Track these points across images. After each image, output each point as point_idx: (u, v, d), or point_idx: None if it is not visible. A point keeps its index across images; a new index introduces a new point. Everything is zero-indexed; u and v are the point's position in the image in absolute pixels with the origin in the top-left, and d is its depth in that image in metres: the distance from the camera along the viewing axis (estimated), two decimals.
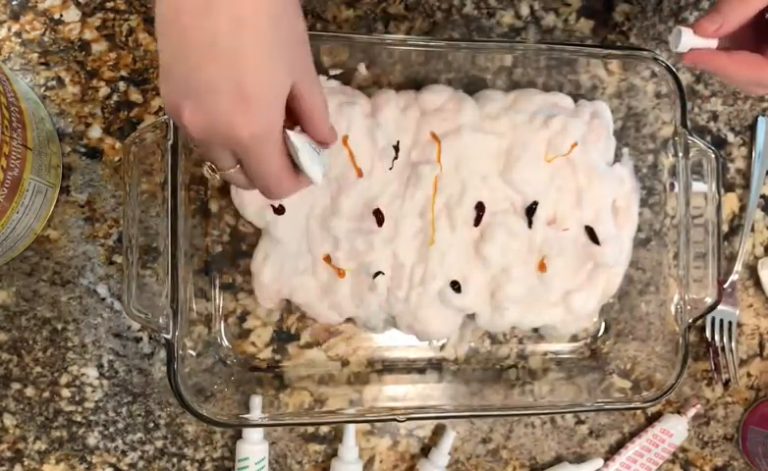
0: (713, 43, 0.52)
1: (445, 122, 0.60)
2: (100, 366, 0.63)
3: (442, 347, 0.66)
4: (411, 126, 0.61)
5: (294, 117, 0.44)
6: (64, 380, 0.62)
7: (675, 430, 0.68)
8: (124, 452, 0.63)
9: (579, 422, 0.68)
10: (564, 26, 0.67)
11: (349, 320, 0.64)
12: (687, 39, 0.52)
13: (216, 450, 0.64)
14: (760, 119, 0.70)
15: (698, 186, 0.60)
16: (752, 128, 0.70)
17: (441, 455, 0.64)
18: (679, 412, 0.69)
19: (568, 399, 0.64)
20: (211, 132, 0.41)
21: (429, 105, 0.61)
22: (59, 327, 0.62)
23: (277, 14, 0.39)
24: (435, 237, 0.60)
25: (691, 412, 0.68)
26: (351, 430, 0.63)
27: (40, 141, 0.57)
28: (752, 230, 0.70)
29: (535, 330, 0.66)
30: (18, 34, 0.61)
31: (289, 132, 0.43)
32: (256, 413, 0.59)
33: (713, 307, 0.60)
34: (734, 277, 0.69)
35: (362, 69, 0.62)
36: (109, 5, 0.62)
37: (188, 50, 0.39)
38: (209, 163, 0.46)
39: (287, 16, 0.41)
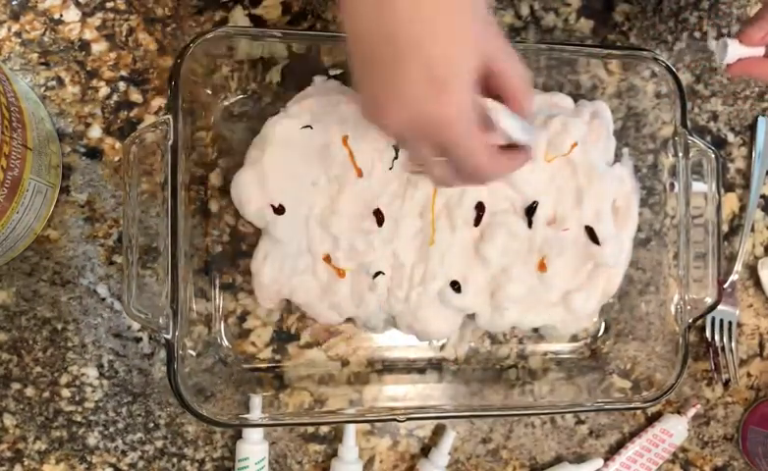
0: (760, 51, 0.52)
1: None
2: (100, 366, 0.63)
3: (442, 347, 0.66)
4: None
5: (494, 95, 0.45)
6: (64, 380, 0.62)
7: (675, 430, 0.68)
8: (124, 452, 0.63)
9: (579, 422, 0.68)
10: (564, 26, 0.67)
11: (349, 320, 0.64)
12: (734, 50, 0.52)
13: (216, 450, 0.64)
14: (760, 119, 0.70)
15: (698, 186, 0.60)
16: (752, 128, 0.70)
17: (441, 455, 0.64)
18: (679, 412, 0.69)
19: (568, 399, 0.64)
20: (414, 125, 0.42)
21: None
22: (59, 327, 0.62)
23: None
24: (435, 237, 0.60)
25: (691, 412, 0.68)
26: (351, 430, 0.63)
27: (40, 141, 0.57)
28: (752, 230, 0.70)
29: (535, 330, 0.66)
30: (18, 34, 0.61)
31: (485, 101, 0.43)
32: (256, 413, 0.59)
33: (713, 307, 0.60)
34: (734, 277, 0.69)
35: None
36: (109, 5, 0.62)
37: (377, 50, 0.41)
38: (418, 163, 0.47)
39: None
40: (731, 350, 0.68)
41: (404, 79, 0.40)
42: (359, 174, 0.59)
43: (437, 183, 0.48)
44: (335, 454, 0.64)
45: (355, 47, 0.43)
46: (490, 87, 0.44)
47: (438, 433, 0.66)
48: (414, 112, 0.41)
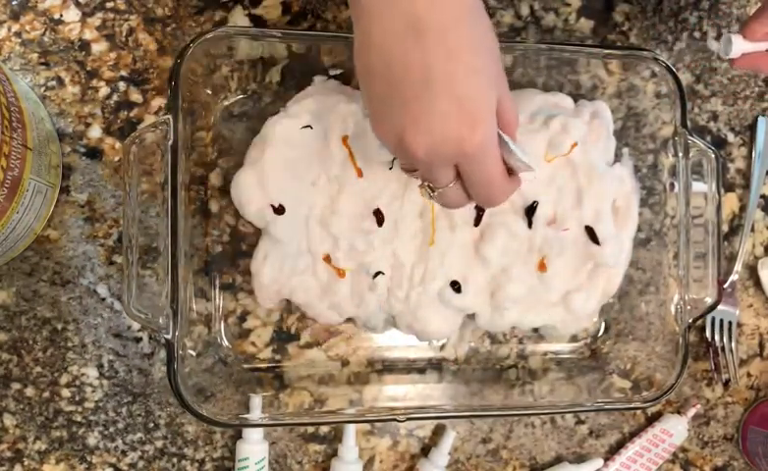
0: (764, 46, 0.52)
1: None
2: (100, 366, 0.63)
3: (442, 347, 0.66)
4: None
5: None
6: (64, 380, 0.62)
7: (675, 430, 0.68)
8: (124, 452, 0.63)
9: (579, 422, 0.68)
10: (564, 25, 0.67)
11: (349, 320, 0.64)
12: (738, 45, 0.51)
13: (216, 450, 0.64)
14: (760, 119, 0.70)
15: (698, 186, 0.60)
16: (752, 128, 0.70)
17: (441, 455, 0.64)
18: (679, 412, 0.69)
19: (568, 399, 0.64)
20: (438, 151, 0.44)
21: None
22: (59, 327, 0.62)
23: (479, 37, 0.44)
24: (435, 238, 0.60)
25: (691, 412, 0.68)
26: (351, 430, 0.63)
27: (40, 141, 0.57)
28: (752, 230, 0.70)
29: (535, 330, 0.66)
30: (18, 34, 0.61)
31: (502, 135, 0.46)
32: (256, 413, 0.59)
33: (713, 307, 0.60)
34: (734, 277, 0.69)
35: None
36: (109, 5, 0.62)
37: (404, 86, 0.43)
38: (427, 184, 0.49)
39: (486, 37, 0.45)
40: (731, 350, 0.68)
41: (435, 114, 0.43)
42: (359, 174, 0.59)
43: (447, 205, 0.51)
44: (335, 454, 0.64)
45: (373, 79, 0.44)
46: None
47: (438, 433, 0.66)
48: (443, 143, 0.44)
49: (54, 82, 0.62)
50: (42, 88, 0.62)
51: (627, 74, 0.64)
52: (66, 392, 0.62)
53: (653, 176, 0.64)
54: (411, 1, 0.42)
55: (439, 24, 0.42)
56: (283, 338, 0.64)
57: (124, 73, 0.62)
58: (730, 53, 0.52)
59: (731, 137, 0.70)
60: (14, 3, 0.61)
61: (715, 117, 0.70)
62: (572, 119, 0.61)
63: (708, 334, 0.69)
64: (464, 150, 0.44)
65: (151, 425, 0.63)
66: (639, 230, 0.65)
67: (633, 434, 0.69)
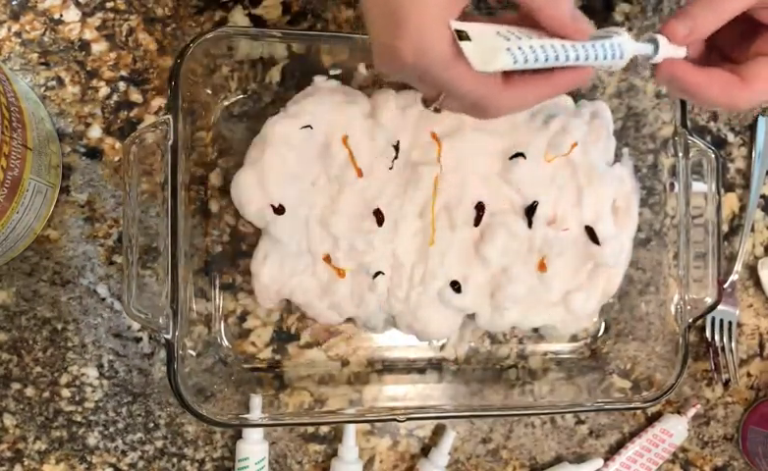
0: (682, 52, 0.45)
1: (445, 121, 0.60)
2: (100, 366, 0.63)
3: (442, 347, 0.66)
4: (410, 125, 0.61)
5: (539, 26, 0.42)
6: (64, 380, 0.62)
7: (675, 430, 0.68)
8: (124, 452, 0.63)
9: (579, 422, 0.68)
10: None
11: (349, 320, 0.64)
12: (664, 47, 0.44)
13: (216, 450, 0.64)
14: (760, 119, 0.70)
15: (698, 186, 0.60)
16: (752, 128, 0.70)
17: (441, 455, 0.64)
18: (679, 412, 0.69)
19: (568, 399, 0.64)
20: (392, 69, 0.42)
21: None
22: (59, 327, 0.62)
23: None
24: (435, 237, 0.60)
25: (691, 412, 0.68)
26: (351, 430, 0.63)
27: (40, 141, 0.57)
28: (752, 230, 0.70)
29: (535, 330, 0.66)
30: (18, 34, 0.61)
31: (452, 23, 0.40)
32: (256, 413, 0.59)
33: (713, 307, 0.60)
34: (734, 277, 0.69)
35: (362, 69, 0.62)
36: (109, 5, 0.62)
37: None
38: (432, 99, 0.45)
39: None
40: (731, 350, 0.68)
41: (370, 21, 0.41)
42: (359, 174, 0.59)
43: (460, 112, 0.46)
44: (335, 454, 0.64)
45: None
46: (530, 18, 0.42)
47: (438, 433, 0.66)
48: (384, 56, 0.41)
49: (54, 82, 0.62)
50: (42, 88, 0.62)
51: (626, 74, 0.64)
52: (66, 392, 0.62)
53: (653, 176, 0.64)
54: None
55: None
56: (283, 338, 0.64)
57: (124, 73, 0.62)
58: (656, 56, 0.44)
59: (731, 137, 0.70)
60: (14, 3, 0.61)
61: (715, 117, 0.70)
62: (572, 119, 0.61)
63: (708, 334, 0.69)
64: (395, 58, 0.41)
65: (151, 425, 0.63)
66: (639, 230, 0.65)
67: (633, 434, 0.69)
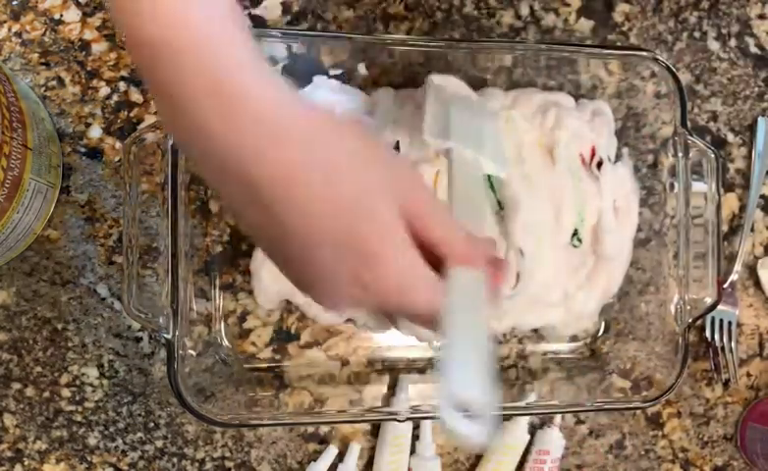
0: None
1: None
2: (100, 366, 0.63)
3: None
4: (410, 124, 0.61)
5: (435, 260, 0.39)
6: (64, 380, 0.62)
7: (550, 446, 0.66)
8: (124, 452, 0.63)
9: (579, 422, 0.68)
10: (564, 25, 0.67)
11: (349, 320, 0.64)
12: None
13: (216, 450, 0.64)
14: (760, 119, 0.70)
15: (698, 186, 0.60)
16: (752, 128, 0.70)
17: (426, 446, 0.64)
18: (544, 425, 0.67)
19: (568, 399, 0.64)
20: (350, 305, 0.39)
21: None
22: (59, 327, 0.62)
23: (339, 157, 0.36)
24: None
25: (557, 420, 0.66)
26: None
27: (40, 141, 0.57)
28: (752, 230, 0.70)
29: (535, 330, 0.66)
30: (18, 34, 0.61)
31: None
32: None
33: (713, 307, 0.60)
34: (734, 277, 0.69)
35: (362, 69, 0.62)
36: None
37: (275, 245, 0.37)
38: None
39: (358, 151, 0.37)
40: (731, 350, 0.68)
41: (328, 260, 0.37)
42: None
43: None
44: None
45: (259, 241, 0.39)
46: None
47: (418, 425, 0.65)
48: (348, 298, 0.38)
49: (54, 82, 0.62)
50: (42, 88, 0.62)
51: (627, 74, 0.63)
52: (66, 392, 0.62)
53: (653, 176, 0.64)
54: (236, 158, 0.34)
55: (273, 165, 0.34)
56: (283, 338, 0.64)
57: (124, 73, 0.62)
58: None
59: (731, 137, 0.70)
60: (14, 3, 0.61)
61: (715, 117, 0.70)
62: (565, 110, 0.61)
63: (708, 334, 0.69)
64: (373, 298, 0.37)
65: (151, 425, 0.63)
66: (639, 230, 0.65)
67: (633, 434, 0.69)
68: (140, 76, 0.35)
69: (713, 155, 0.59)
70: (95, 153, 0.62)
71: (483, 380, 0.36)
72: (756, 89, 0.70)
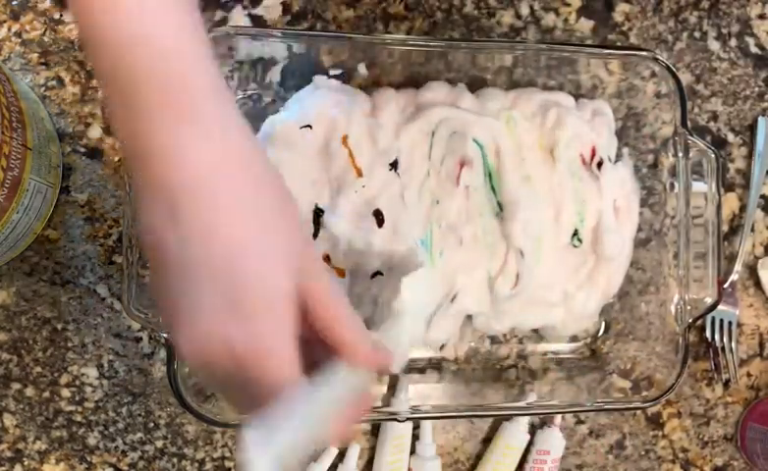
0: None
1: None
2: (100, 366, 0.63)
3: (442, 347, 0.66)
4: (412, 142, 0.61)
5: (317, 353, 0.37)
6: (64, 380, 0.62)
7: (550, 445, 0.66)
8: (124, 452, 0.63)
9: (579, 422, 0.68)
10: (564, 25, 0.67)
11: None
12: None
13: (216, 450, 0.64)
14: (760, 119, 0.70)
15: (698, 186, 0.60)
16: (752, 128, 0.70)
17: (426, 446, 0.64)
18: (546, 425, 0.67)
19: (568, 399, 0.64)
20: (203, 354, 0.34)
21: (428, 102, 0.61)
22: (59, 327, 0.62)
23: (257, 199, 0.34)
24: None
25: (557, 421, 0.66)
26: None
27: (40, 141, 0.57)
28: (752, 230, 0.70)
29: (535, 330, 0.66)
30: (18, 34, 0.61)
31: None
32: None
33: (713, 307, 0.60)
34: (734, 277, 0.69)
35: (362, 69, 0.62)
36: None
37: (166, 272, 0.34)
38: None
39: (273, 200, 0.36)
40: (731, 350, 0.68)
41: (195, 305, 0.33)
42: (359, 174, 0.59)
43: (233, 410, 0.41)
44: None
45: (148, 255, 0.36)
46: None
47: (418, 426, 0.66)
48: (207, 342, 0.34)
49: (54, 82, 0.62)
50: (42, 88, 0.62)
51: (627, 74, 0.63)
52: (66, 392, 0.62)
53: (653, 176, 0.64)
54: (157, 163, 0.33)
55: (190, 184, 0.33)
56: None
57: None
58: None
59: (731, 137, 0.70)
60: (14, 3, 0.61)
61: (715, 117, 0.70)
62: (565, 109, 0.61)
63: (708, 334, 0.69)
64: (233, 352, 0.33)
65: (151, 425, 0.63)
66: (639, 230, 0.65)
67: (633, 434, 0.69)
68: (96, 68, 0.34)
69: (713, 155, 0.59)
70: (95, 153, 0.62)
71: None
72: (756, 89, 0.70)
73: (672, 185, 0.63)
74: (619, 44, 0.68)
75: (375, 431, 0.65)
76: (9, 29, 0.61)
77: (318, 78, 0.62)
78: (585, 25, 0.68)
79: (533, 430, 0.67)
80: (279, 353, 0.34)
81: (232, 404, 0.39)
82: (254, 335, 0.34)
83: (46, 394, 0.62)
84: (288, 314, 0.35)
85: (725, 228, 0.70)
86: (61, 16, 0.62)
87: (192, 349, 0.34)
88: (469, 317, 0.63)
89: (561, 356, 0.67)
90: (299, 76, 0.62)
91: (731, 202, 0.70)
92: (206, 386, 0.37)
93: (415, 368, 0.65)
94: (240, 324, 0.33)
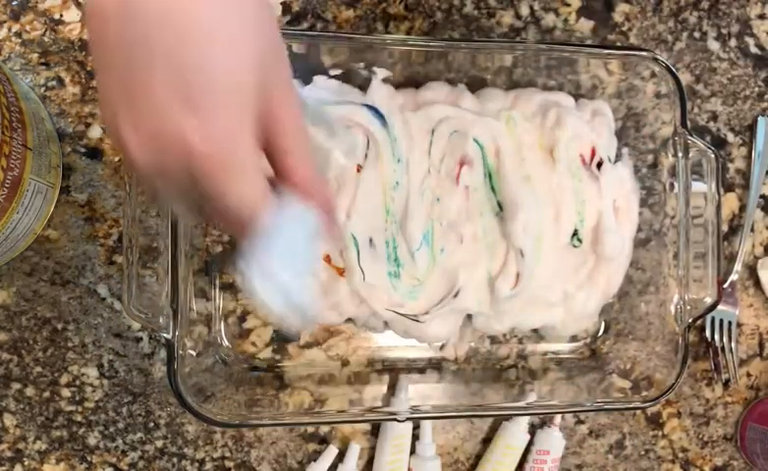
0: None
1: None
2: (100, 366, 0.63)
3: (442, 347, 0.66)
4: (410, 123, 0.61)
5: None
6: (64, 380, 0.62)
7: (550, 445, 0.66)
8: (124, 452, 0.63)
9: (579, 422, 0.68)
10: (564, 25, 0.67)
11: (349, 320, 0.64)
12: None
13: (216, 450, 0.64)
14: (760, 119, 0.70)
15: (698, 186, 0.60)
16: (752, 128, 0.70)
17: (426, 446, 0.64)
18: (545, 425, 0.67)
19: (568, 399, 0.64)
20: (152, 148, 0.31)
21: (429, 102, 0.61)
22: (59, 327, 0.62)
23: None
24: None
25: (557, 420, 0.66)
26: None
27: (40, 141, 0.57)
28: (752, 230, 0.70)
29: (535, 330, 0.66)
30: (18, 34, 0.61)
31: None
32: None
33: (713, 307, 0.60)
34: (733, 277, 0.69)
35: (362, 69, 0.62)
36: None
37: (118, 51, 0.29)
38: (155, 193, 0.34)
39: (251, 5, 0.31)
40: (731, 350, 0.68)
41: (148, 94, 0.30)
42: (357, 170, 0.59)
43: (186, 217, 0.37)
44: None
45: (93, 40, 0.31)
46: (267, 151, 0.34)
47: (417, 426, 0.66)
48: (158, 137, 0.30)
49: (54, 82, 0.62)
50: (42, 88, 0.62)
51: (627, 74, 0.64)
52: (66, 392, 0.62)
53: (653, 176, 0.64)
54: None
55: None
56: (283, 337, 0.64)
57: None
58: None
59: (731, 137, 0.70)
60: (14, 3, 0.61)
61: (715, 117, 0.70)
62: (565, 109, 0.61)
63: (708, 334, 0.69)
64: (189, 149, 0.30)
65: (151, 425, 0.63)
66: (639, 230, 0.65)
67: (633, 434, 0.69)
68: None
69: (713, 155, 0.59)
70: (95, 153, 0.62)
71: (304, 277, 0.34)
72: (756, 89, 0.70)
73: (672, 185, 0.63)
74: (619, 44, 0.68)
75: (375, 431, 0.65)
76: (9, 29, 0.61)
77: (318, 79, 0.62)
78: (585, 25, 0.68)
79: (533, 430, 0.67)
80: (243, 163, 0.31)
81: (192, 212, 0.35)
82: (214, 135, 0.30)
83: (46, 394, 0.62)
84: (249, 116, 0.31)
85: (725, 228, 0.70)
86: (61, 16, 0.62)
87: (142, 147, 0.30)
88: (469, 317, 0.64)
89: (561, 356, 0.67)
90: (298, 76, 0.62)
91: (730, 202, 0.70)
92: (161, 196, 0.35)
93: (415, 368, 0.65)
94: (197, 119, 0.30)
